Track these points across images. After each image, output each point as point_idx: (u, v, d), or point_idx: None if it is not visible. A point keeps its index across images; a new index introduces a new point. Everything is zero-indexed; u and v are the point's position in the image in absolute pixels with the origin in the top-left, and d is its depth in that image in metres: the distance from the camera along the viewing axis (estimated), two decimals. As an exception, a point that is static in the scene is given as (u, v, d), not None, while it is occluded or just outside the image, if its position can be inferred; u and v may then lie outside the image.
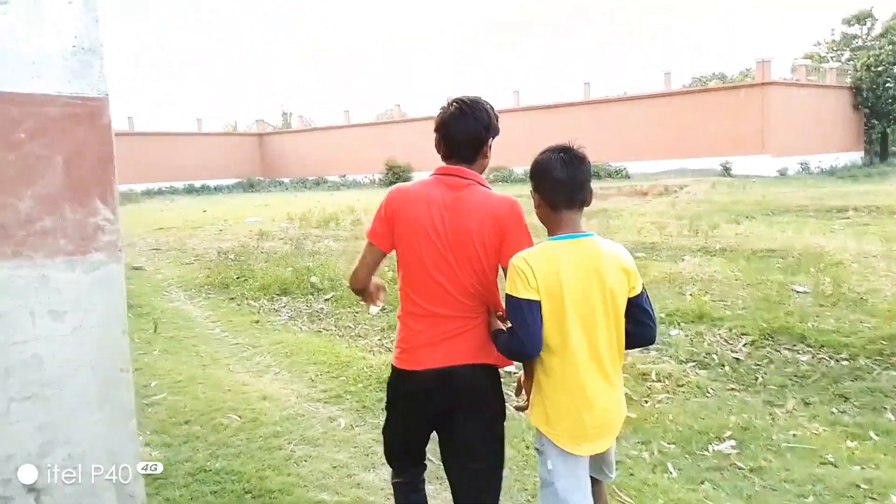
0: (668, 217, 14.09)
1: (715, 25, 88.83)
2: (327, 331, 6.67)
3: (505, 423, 2.41)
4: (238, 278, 9.29)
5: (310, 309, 7.55)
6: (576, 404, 2.11)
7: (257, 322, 7.12)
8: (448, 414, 2.31)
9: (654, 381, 4.79)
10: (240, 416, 4.35)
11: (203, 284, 9.38)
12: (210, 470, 3.59)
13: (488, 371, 2.32)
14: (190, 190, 38.66)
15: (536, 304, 2.04)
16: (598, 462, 2.30)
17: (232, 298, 8.44)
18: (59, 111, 1.79)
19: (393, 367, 2.40)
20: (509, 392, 3.00)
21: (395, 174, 33.71)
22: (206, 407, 4.54)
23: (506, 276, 2.17)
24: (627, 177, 29.66)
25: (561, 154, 2.13)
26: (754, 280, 7.18)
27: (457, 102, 2.28)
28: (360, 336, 6.37)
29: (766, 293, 6.63)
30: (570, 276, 2.05)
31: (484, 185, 2.30)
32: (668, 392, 4.62)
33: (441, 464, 2.48)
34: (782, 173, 27.86)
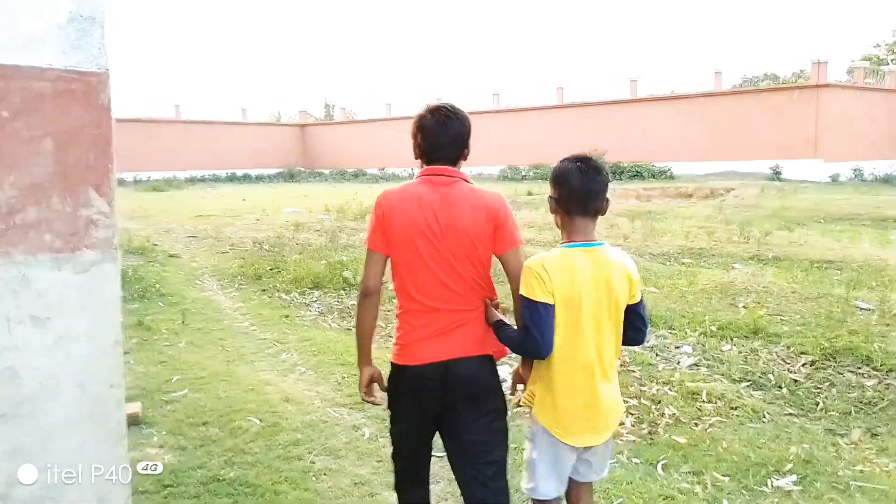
0: (716, 221, 13.54)
1: (770, 25, 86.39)
2: (358, 329, 6.44)
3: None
4: (271, 270, 9.15)
5: (341, 305, 7.34)
6: (582, 403, 2.26)
7: (287, 317, 6.93)
8: (450, 409, 2.36)
9: (704, 401, 4.43)
10: (260, 420, 4.13)
11: (236, 275, 9.25)
12: (224, 479, 3.37)
13: (487, 362, 2.41)
14: (232, 178, 38.92)
15: (552, 308, 2.17)
16: (591, 456, 2.39)
17: (264, 290, 8.28)
18: (50, 86, 1.55)
19: (393, 364, 2.43)
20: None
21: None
22: (226, 407, 4.33)
23: (504, 265, 2.35)
24: (672, 177, 28.88)
25: (578, 163, 2.26)
26: (813, 293, 6.73)
27: (438, 108, 2.41)
28: (390, 336, 6.06)
29: (827, 309, 6.18)
30: (585, 283, 2.19)
31: (468, 182, 2.41)
32: (720, 415, 4.26)
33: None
34: (834, 179, 26.77)
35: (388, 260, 2.39)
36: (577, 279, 2.17)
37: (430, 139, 2.39)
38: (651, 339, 5.63)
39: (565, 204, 2.27)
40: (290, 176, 40.07)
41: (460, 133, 2.40)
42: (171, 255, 10.95)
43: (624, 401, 4.45)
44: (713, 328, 5.74)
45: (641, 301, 2.34)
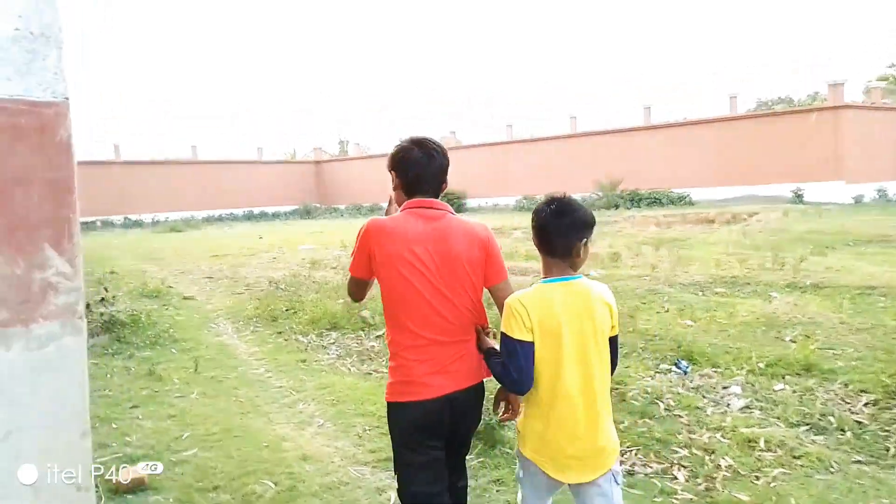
0: (744, 247, 13.09)
1: (780, 50, 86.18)
2: (378, 373, 6.08)
3: None
4: (287, 310, 8.83)
5: (360, 347, 6.99)
6: (567, 436, 2.24)
7: (304, 361, 6.58)
8: (451, 432, 2.47)
9: (763, 450, 4.01)
10: (275, 484, 3.76)
11: (252, 316, 8.95)
12: (235, 558, 3.01)
13: (481, 388, 2.53)
14: (249, 216, 39.03)
15: (529, 345, 2.22)
16: (583, 496, 2.33)
17: (280, 333, 7.96)
18: (-6, 120, 1.25)
19: (395, 403, 2.43)
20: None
21: (450, 201, 33.13)
22: (239, 469, 3.97)
23: (495, 297, 2.48)
24: (691, 203, 28.44)
25: (546, 205, 2.34)
26: (864, 324, 6.28)
27: (424, 142, 2.48)
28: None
29: (883, 341, 5.74)
30: (565, 316, 2.22)
31: (453, 213, 2.51)
32: (782, 465, 3.83)
33: None
34: (858, 200, 26.20)
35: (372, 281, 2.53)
36: (557, 312, 2.22)
37: (417, 171, 2.45)
38: (695, 378, 5.21)
39: (537, 243, 2.36)
40: (305, 212, 40.11)
41: (443, 166, 2.49)
42: (185, 298, 10.70)
43: (673, 451, 4.07)
44: (761, 365, 5.31)
45: (617, 334, 2.39)
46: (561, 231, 2.28)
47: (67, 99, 1.34)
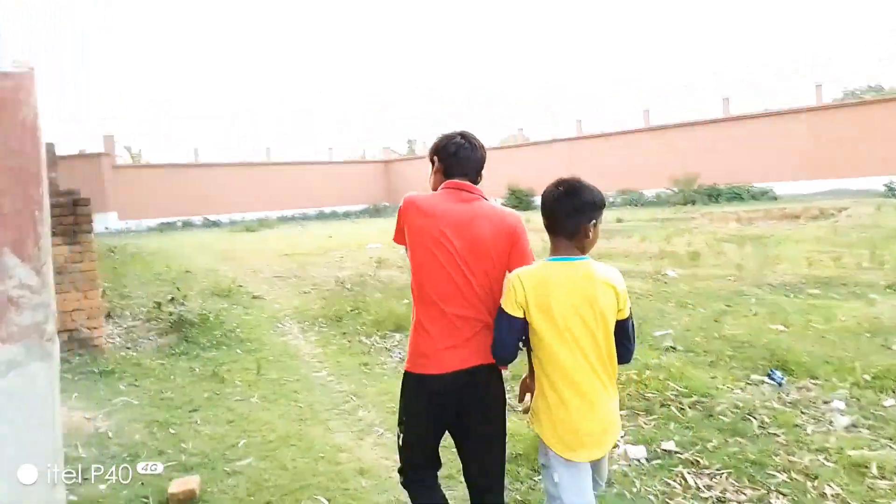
0: (836, 245, 12.18)
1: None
2: (442, 379, 5.80)
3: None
4: (352, 311, 8.68)
5: (424, 350, 6.73)
6: (573, 413, 2.28)
7: (366, 365, 6.38)
8: (464, 412, 2.51)
9: (875, 476, 3.51)
10: (329, 501, 3.52)
11: (317, 316, 8.84)
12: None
13: (496, 369, 2.54)
14: (320, 216, 39.56)
15: (517, 321, 2.31)
16: (591, 470, 2.41)
17: (344, 333, 7.80)
18: (-59, 97, 1.02)
19: (412, 373, 2.55)
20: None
21: (517, 198, 32.67)
22: (293, 481, 3.76)
23: None
24: (774, 198, 27.02)
25: (553, 187, 2.40)
26: (984, 331, 5.59)
27: (465, 134, 2.65)
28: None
29: None
30: (560, 294, 2.25)
31: (486, 199, 2.59)
32: (900, 496, 3.33)
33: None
34: (958, 194, 24.27)
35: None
36: (552, 290, 2.26)
37: (462, 155, 2.58)
38: (791, 391, 4.70)
39: (545, 224, 2.41)
40: (375, 211, 40.38)
41: (483, 158, 2.65)
42: (254, 297, 10.71)
43: (770, 475, 3.61)
44: (867, 377, 4.75)
45: (629, 317, 2.37)
46: (567, 212, 2.32)
47: (32, 69, 1.09)
